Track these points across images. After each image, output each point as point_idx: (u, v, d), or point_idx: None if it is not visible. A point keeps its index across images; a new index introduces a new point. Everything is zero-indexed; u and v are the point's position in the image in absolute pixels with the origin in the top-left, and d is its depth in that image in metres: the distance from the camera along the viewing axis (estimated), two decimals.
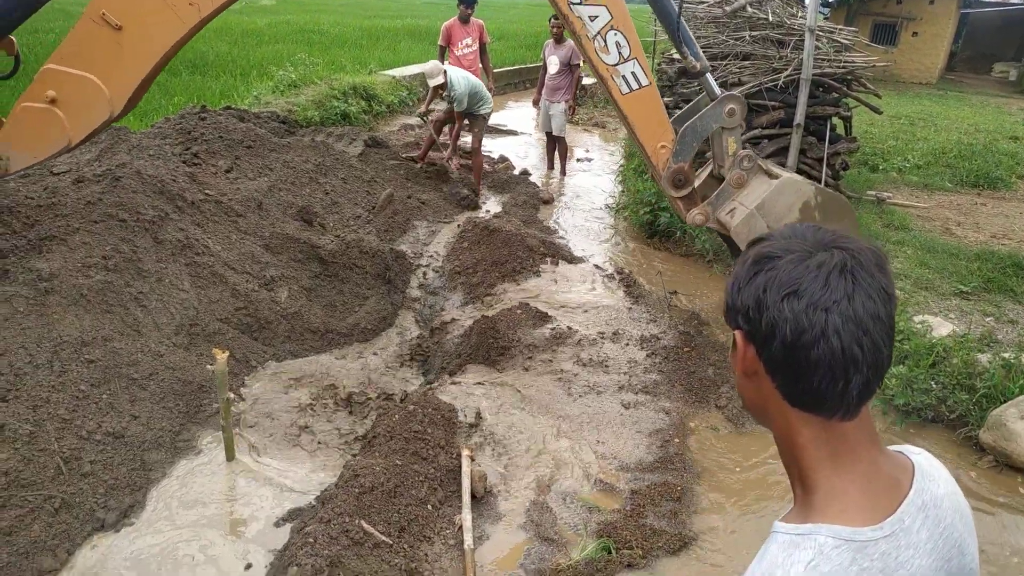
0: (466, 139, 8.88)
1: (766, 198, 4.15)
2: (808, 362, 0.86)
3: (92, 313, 4.11)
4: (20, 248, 4.44)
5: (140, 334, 4.25)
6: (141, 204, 4.79)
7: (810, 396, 0.89)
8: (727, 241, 4.83)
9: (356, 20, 26.68)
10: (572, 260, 6.06)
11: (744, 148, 4.37)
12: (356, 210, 6.71)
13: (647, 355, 4.38)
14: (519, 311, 4.82)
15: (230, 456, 3.73)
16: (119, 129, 5.98)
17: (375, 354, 4.96)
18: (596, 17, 3.98)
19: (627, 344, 4.52)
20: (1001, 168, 9.12)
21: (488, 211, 7.51)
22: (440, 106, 8.45)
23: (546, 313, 4.86)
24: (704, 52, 6.82)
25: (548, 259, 5.90)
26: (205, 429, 3.97)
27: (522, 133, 11.75)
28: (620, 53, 4.06)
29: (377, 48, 17.48)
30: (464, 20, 8.49)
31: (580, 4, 3.94)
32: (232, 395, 4.01)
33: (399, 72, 13.24)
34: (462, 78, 7.59)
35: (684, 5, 7.55)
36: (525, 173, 9.00)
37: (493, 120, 11.32)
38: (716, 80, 6.39)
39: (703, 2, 7.25)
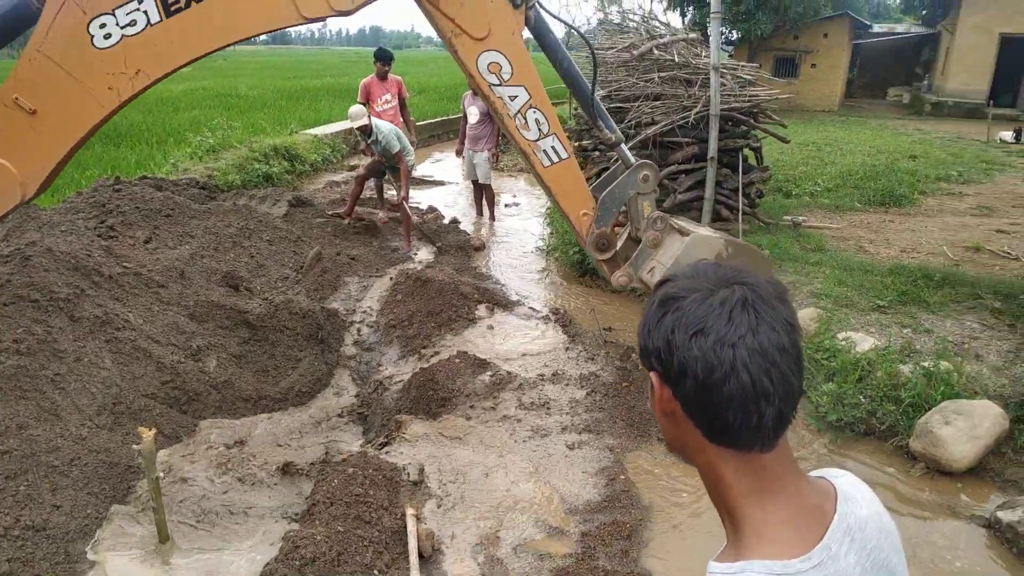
0: (391, 192, 8.90)
1: (680, 255, 4.41)
2: (721, 398, 0.88)
3: (4, 400, 3.88)
4: None
5: (59, 418, 4.03)
6: (54, 282, 4.59)
7: (727, 431, 0.90)
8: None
9: (274, 81, 26.68)
10: (507, 305, 6.08)
11: (655, 211, 4.60)
12: (284, 271, 6.59)
13: (587, 393, 4.41)
14: (458, 360, 4.79)
15: (163, 538, 3.55)
16: (27, 208, 5.75)
17: (311, 417, 4.83)
18: (516, 97, 4.16)
19: (567, 384, 4.53)
20: (904, 186, 9.67)
21: (420, 261, 7.49)
22: (364, 161, 8.47)
23: (485, 360, 4.84)
24: (616, 95, 7.09)
25: (483, 305, 5.90)
26: (136, 512, 3.77)
27: (449, 183, 11.85)
28: (540, 129, 4.26)
29: (297, 108, 17.47)
30: (382, 77, 8.59)
31: (500, 86, 4.10)
32: (161, 473, 3.83)
33: (321, 130, 13.24)
34: (384, 123, 7.72)
35: (595, 51, 7.84)
36: (455, 221, 9.05)
37: (419, 172, 11.42)
38: (630, 120, 6.63)
39: (612, 48, 7.53)
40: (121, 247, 5.58)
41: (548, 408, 4.32)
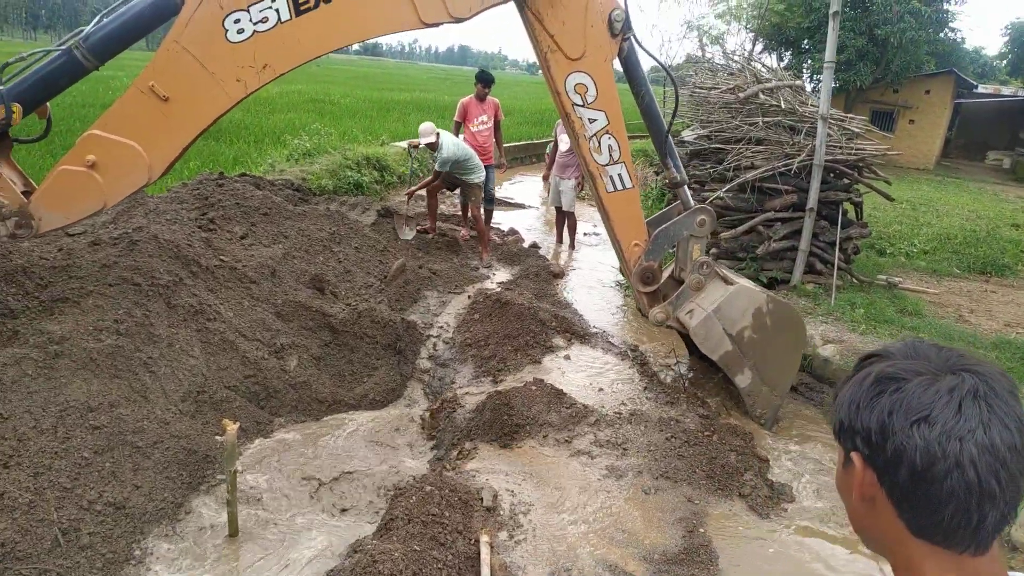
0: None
1: (722, 302, 4.55)
2: (940, 494, 0.81)
3: (100, 378, 4.02)
4: (32, 309, 4.38)
5: (147, 400, 4.15)
6: (156, 268, 4.76)
7: (939, 530, 0.83)
8: (684, 338, 5.30)
9: (365, 92, 27.46)
10: (585, 336, 6.00)
11: (704, 256, 4.80)
12: (368, 279, 6.69)
13: (667, 439, 4.28)
14: (534, 388, 4.73)
15: (233, 531, 3.58)
16: (136, 193, 6.01)
17: (383, 425, 4.84)
18: (595, 120, 4.37)
19: (646, 426, 4.41)
20: (1007, 255, 9.19)
21: (498, 283, 7.49)
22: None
23: (561, 390, 4.77)
24: (717, 136, 6.99)
25: (561, 334, 5.84)
26: (209, 501, 3.83)
27: (529, 206, 11.88)
28: (611, 155, 4.46)
29: (387, 120, 17.89)
30: (481, 98, 8.70)
31: (583, 107, 4.29)
32: (240, 467, 3.88)
33: (409, 143, 13.46)
34: (453, 144, 7.86)
35: (695, 90, 7.77)
36: (534, 246, 9.04)
37: (500, 193, 11.48)
38: (730, 163, 6.51)
39: (716, 88, 7.43)
40: (219, 240, 5.76)
41: (625, 449, 4.20)
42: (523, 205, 11.90)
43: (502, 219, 10.44)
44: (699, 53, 10.89)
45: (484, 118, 8.68)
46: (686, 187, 4.76)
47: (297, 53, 3.86)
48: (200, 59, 3.73)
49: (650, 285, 4.76)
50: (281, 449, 4.41)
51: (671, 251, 5.05)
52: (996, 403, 0.82)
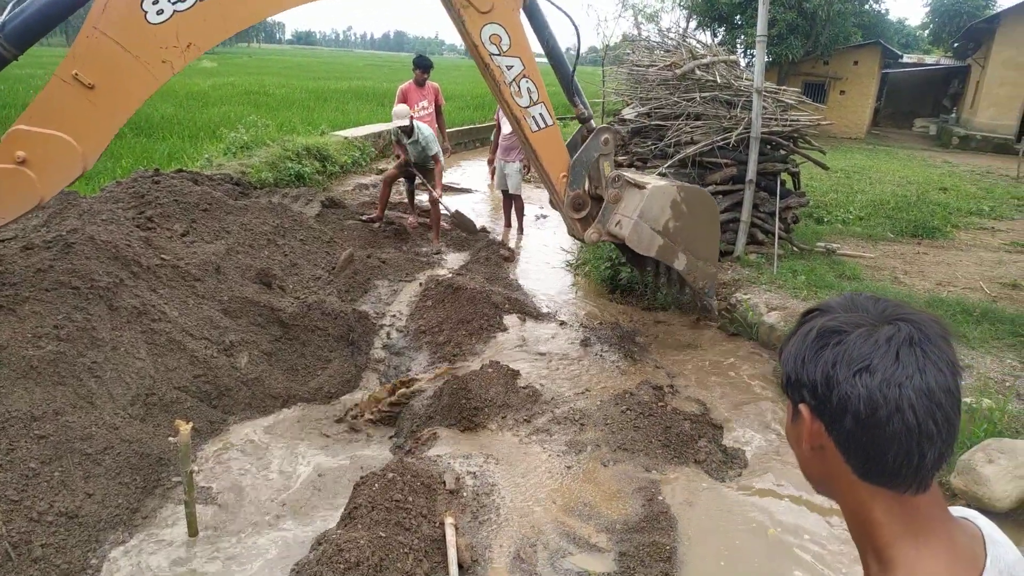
0: (421, 197, 8.92)
1: (643, 207, 5.03)
2: (883, 438, 0.86)
3: (43, 386, 3.89)
4: None
5: (94, 406, 4.03)
6: (95, 271, 4.61)
7: (884, 471, 0.88)
8: (621, 248, 5.87)
9: (301, 82, 26.88)
10: (539, 316, 6.05)
11: (614, 171, 5.27)
12: (316, 271, 6.60)
13: (622, 411, 4.36)
14: (491, 370, 4.75)
15: (193, 532, 3.53)
16: (68, 194, 5.79)
17: (338, 416, 4.81)
18: (512, 67, 4.74)
19: (601, 400, 4.49)
20: (936, 218, 9.59)
21: (449, 269, 7.48)
22: (389, 165, 8.62)
23: (517, 371, 4.81)
24: (656, 113, 7.08)
25: (514, 316, 5.88)
26: (165, 504, 3.76)
27: (475, 191, 11.86)
28: (531, 97, 4.84)
29: (325, 109, 17.57)
30: (420, 83, 8.63)
31: (499, 55, 4.67)
32: (195, 467, 3.82)
33: (351, 132, 13.30)
34: (424, 126, 7.89)
35: (633, 68, 7.84)
36: (483, 230, 9.04)
37: (446, 179, 11.42)
38: (670, 139, 6.62)
39: (653, 65, 7.52)
40: (159, 239, 5.60)
41: (583, 424, 4.27)
42: (469, 190, 11.87)
43: (449, 204, 10.38)
44: (635, 32, 10.98)
45: (424, 103, 8.62)
46: (592, 121, 5.27)
47: (220, 28, 3.90)
48: (122, 43, 3.68)
49: (581, 211, 5.23)
50: (237, 447, 4.35)
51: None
52: (930, 349, 0.87)
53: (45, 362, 3.95)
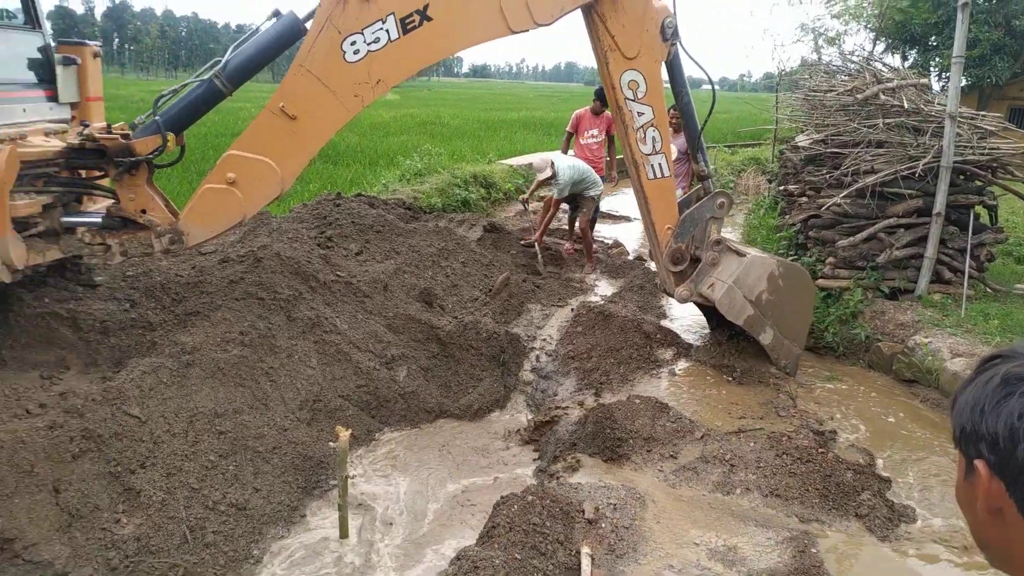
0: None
1: (740, 273, 5.06)
2: None
3: (226, 386, 4.30)
4: (168, 323, 4.77)
5: (268, 408, 4.40)
6: (278, 284, 5.06)
7: None
8: (706, 312, 5.92)
9: (474, 113, 28.15)
10: (691, 349, 5.86)
11: (718, 235, 5.30)
12: (474, 293, 6.83)
13: (777, 455, 4.09)
14: (638, 401, 4.65)
15: (344, 534, 3.74)
16: (262, 214, 6.43)
17: (487, 435, 4.91)
18: (643, 114, 4.89)
19: (755, 442, 4.25)
20: None
21: (602, 296, 7.45)
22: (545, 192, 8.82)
23: (666, 404, 4.67)
24: (833, 140, 6.68)
25: (666, 347, 5.73)
26: (321, 505, 4.01)
27: (634, 219, 11.75)
28: (654, 146, 4.98)
29: (495, 139, 18.25)
30: (596, 112, 8.73)
31: (633, 101, 4.82)
32: (351, 472, 4.05)
33: (516, 161, 13.71)
34: (568, 167, 7.95)
35: (810, 94, 7.47)
36: (639, 259, 8.94)
37: (607, 206, 11.43)
38: (847, 168, 6.22)
39: (832, 90, 7.10)
40: (336, 256, 6.06)
41: (733, 465, 4.06)
42: (628, 218, 11.80)
43: (606, 231, 10.38)
44: (814, 56, 10.45)
45: (595, 132, 8.69)
46: (711, 180, 5.37)
47: (405, 67, 4.30)
48: (322, 79, 4.11)
49: (678, 265, 5.30)
50: (390, 456, 4.57)
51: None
52: None
53: (230, 364, 4.38)
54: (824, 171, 6.73)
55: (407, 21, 4.08)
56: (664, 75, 5.03)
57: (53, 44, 4.77)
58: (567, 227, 9.20)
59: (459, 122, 22.61)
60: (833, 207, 6.40)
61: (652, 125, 4.90)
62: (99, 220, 4.30)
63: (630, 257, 9.02)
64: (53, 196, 4.24)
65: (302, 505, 3.98)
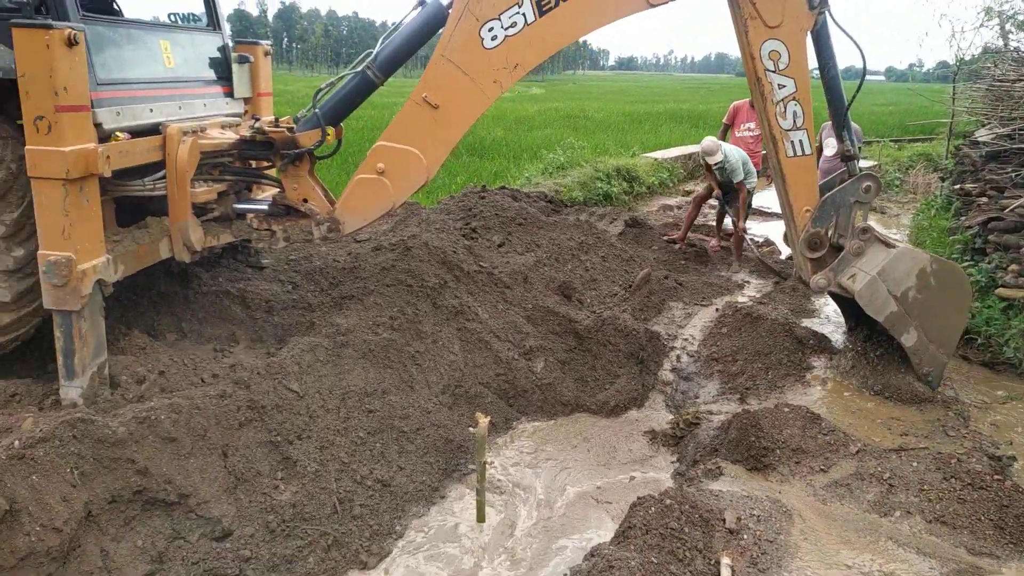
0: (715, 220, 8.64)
1: (886, 265, 4.70)
2: None
3: (376, 367, 4.51)
4: (325, 305, 5.07)
5: (412, 390, 4.57)
6: (426, 272, 5.25)
7: None
8: (843, 305, 5.58)
9: (618, 106, 27.84)
10: (846, 356, 5.48)
11: (865, 223, 4.94)
12: (613, 288, 6.76)
13: (944, 478, 3.74)
14: (786, 409, 4.42)
15: (480, 518, 3.82)
16: (412, 204, 6.70)
17: (623, 432, 4.84)
18: (784, 87, 4.66)
19: (918, 462, 3.91)
20: None
21: (749, 297, 7.14)
22: (699, 186, 8.55)
23: (818, 415, 4.40)
24: (1021, 134, 6.01)
25: (820, 355, 5.40)
26: (459, 488, 4.12)
27: None
28: (795, 121, 4.73)
29: (639, 131, 17.96)
30: (754, 105, 8.39)
31: (774, 72, 4.61)
32: (489, 459, 4.13)
33: (661, 154, 13.42)
34: (734, 150, 7.77)
35: (994, 84, 6.78)
36: (792, 259, 8.47)
37: (759, 202, 10.93)
38: None
39: (1021, 79, 6.39)
40: (479, 247, 6.21)
41: (892, 485, 3.76)
42: (781, 215, 11.22)
43: (758, 229, 9.94)
44: (1000, 43, 9.42)
45: (751, 125, 8.35)
46: (857, 160, 5.03)
47: (542, 49, 4.31)
48: (462, 67, 4.20)
49: (816, 251, 4.99)
50: (526, 446, 4.62)
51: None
52: None
53: (379, 347, 4.59)
54: (1009, 169, 6.08)
55: (543, 3, 4.10)
56: (809, 46, 4.73)
57: (231, 44, 5.18)
58: (716, 222, 8.89)
59: (603, 115, 22.44)
60: (1019, 209, 5.75)
61: (793, 99, 4.66)
62: (266, 207, 4.63)
63: (782, 257, 8.58)
64: (227, 184, 4.62)
65: (442, 486, 4.11)
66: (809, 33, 4.60)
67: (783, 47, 4.53)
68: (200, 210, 4.44)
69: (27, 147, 3.43)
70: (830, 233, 5.01)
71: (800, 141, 4.75)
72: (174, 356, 4.19)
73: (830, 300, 7.17)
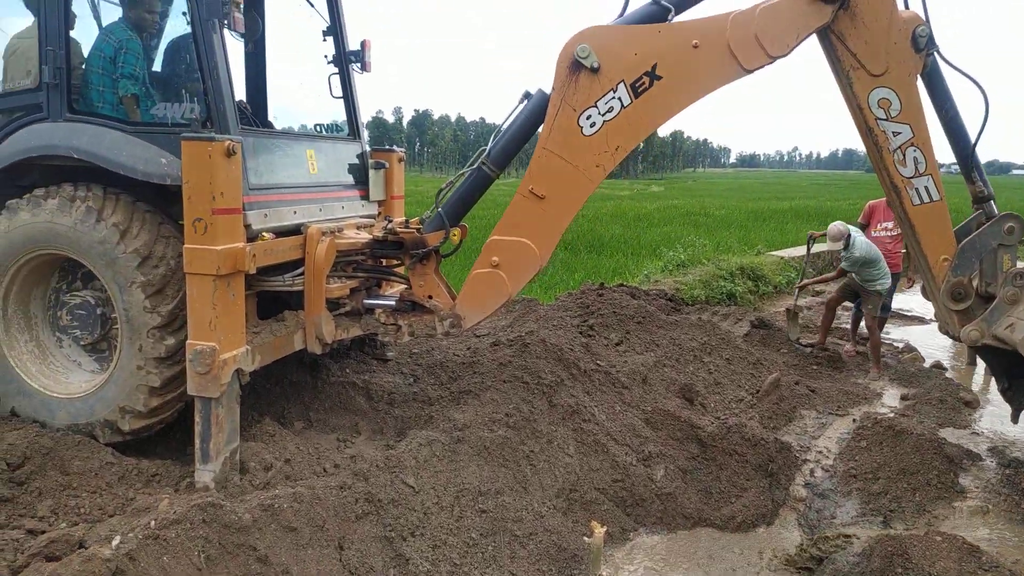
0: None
1: None
2: None
3: (491, 465, 4.46)
4: (444, 399, 5.13)
5: (526, 491, 4.47)
6: (542, 369, 5.22)
7: None
8: (996, 358, 5.03)
9: (740, 203, 27.50)
10: (1011, 484, 4.89)
11: (1017, 266, 4.60)
12: (739, 392, 6.44)
13: None
14: (938, 538, 3.95)
15: None
16: (530, 301, 6.78)
17: (751, 555, 4.48)
18: (899, 134, 4.46)
19: None
20: None
21: (890, 407, 6.59)
22: (831, 287, 8.17)
23: (977, 547, 3.90)
24: None
25: (975, 476, 4.85)
26: None
27: (931, 321, 10.38)
28: (916, 168, 4.51)
29: (763, 229, 17.57)
30: (890, 204, 8.07)
31: (886, 120, 4.42)
32: (604, 573, 3.92)
33: (787, 253, 13.00)
34: (864, 242, 7.41)
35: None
36: (938, 367, 7.82)
37: (898, 303, 10.28)
38: None
39: None
40: (596, 345, 6.14)
41: None
42: (923, 319, 10.47)
43: (897, 334, 9.30)
44: None
45: (889, 224, 7.96)
46: (993, 201, 4.75)
47: (641, 129, 4.33)
48: (564, 157, 4.28)
49: (961, 302, 4.69)
50: (645, 561, 4.35)
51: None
52: None
53: (495, 444, 4.55)
54: None
55: (637, 85, 4.14)
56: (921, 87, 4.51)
57: (368, 151, 5.57)
58: (851, 326, 8.41)
59: (725, 212, 22.19)
60: None
61: (912, 144, 4.46)
62: (393, 303, 4.81)
63: (926, 365, 7.93)
64: (359, 281, 4.85)
65: None
66: (920, 75, 4.44)
67: (893, 94, 4.38)
68: (333, 304, 4.68)
69: (185, 245, 3.77)
70: (975, 282, 4.70)
71: (926, 187, 4.55)
72: (300, 444, 4.33)
73: (989, 415, 6.54)
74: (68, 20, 4.22)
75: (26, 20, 4.49)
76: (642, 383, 5.82)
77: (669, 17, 4.19)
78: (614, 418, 5.32)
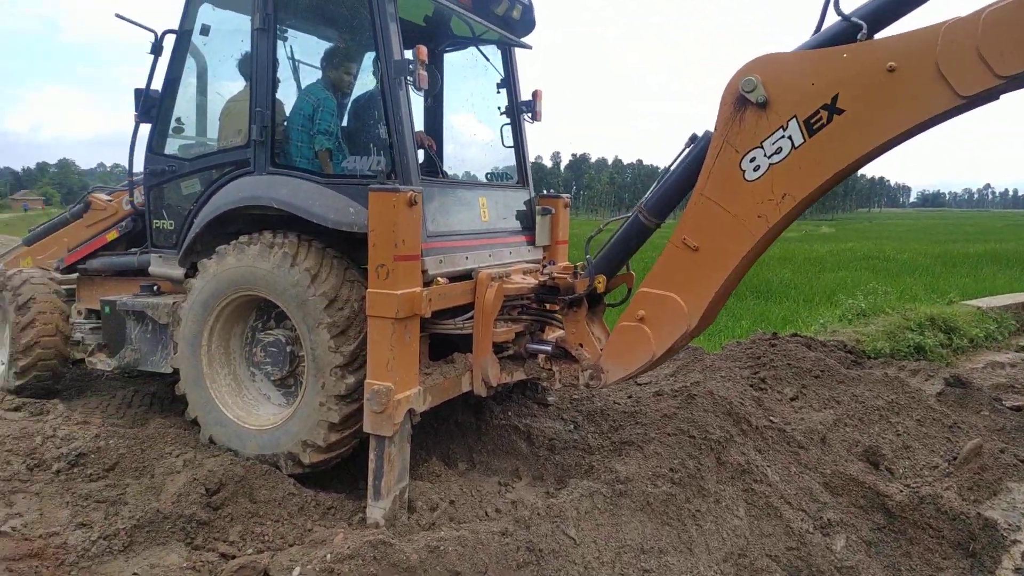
0: None
1: None
2: None
3: (654, 522, 4.29)
4: (605, 448, 5.03)
5: (691, 553, 4.24)
6: (709, 423, 4.99)
7: None
8: None
9: (924, 246, 25.26)
10: None
11: None
12: (933, 459, 5.79)
13: None
14: None
15: None
16: (695, 349, 6.53)
17: None
18: None
19: None
20: None
21: None
22: None
23: None
24: None
25: None
26: None
27: None
28: None
29: (954, 276, 15.97)
30: None
31: None
32: None
33: (985, 302, 11.68)
34: None
35: None
36: None
37: None
38: None
39: None
40: (769, 400, 5.78)
41: None
42: None
43: None
44: None
45: None
46: None
47: (816, 174, 3.62)
48: (722, 204, 3.81)
49: None
50: None
51: None
52: None
53: (658, 500, 4.37)
54: None
55: (812, 121, 3.52)
56: None
57: (535, 196, 5.67)
58: None
59: (907, 256, 20.44)
60: None
61: None
62: (550, 349, 4.78)
63: None
64: (524, 325, 4.90)
65: None
66: None
67: None
68: (498, 348, 4.75)
69: (368, 290, 4.00)
70: None
71: None
72: (464, 486, 4.39)
73: None
74: (275, 83, 4.68)
75: (239, 84, 5.04)
76: (820, 443, 5.39)
77: (859, 36, 3.38)
78: (789, 480, 4.96)
